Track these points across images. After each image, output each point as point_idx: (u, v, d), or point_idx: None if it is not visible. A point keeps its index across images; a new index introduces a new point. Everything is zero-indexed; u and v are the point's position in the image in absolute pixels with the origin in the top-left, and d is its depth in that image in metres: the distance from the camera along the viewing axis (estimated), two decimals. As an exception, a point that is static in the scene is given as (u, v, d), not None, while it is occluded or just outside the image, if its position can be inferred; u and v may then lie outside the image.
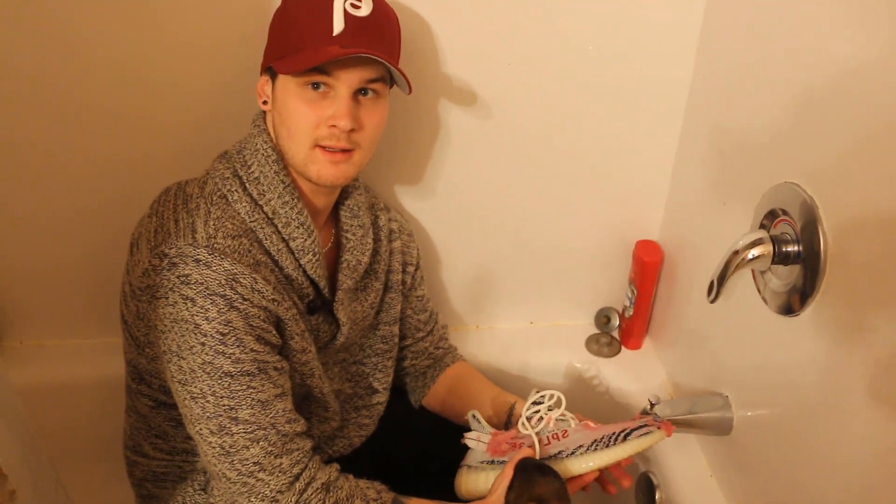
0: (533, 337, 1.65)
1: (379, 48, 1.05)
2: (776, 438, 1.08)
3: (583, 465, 1.12)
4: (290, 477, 1.02)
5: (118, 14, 1.19)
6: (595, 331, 1.67)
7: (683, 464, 1.32)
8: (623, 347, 1.62)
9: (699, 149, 1.35)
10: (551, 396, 1.19)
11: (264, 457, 1.01)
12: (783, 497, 1.06)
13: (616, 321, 1.65)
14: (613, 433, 1.13)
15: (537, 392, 1.21)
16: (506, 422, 1.28)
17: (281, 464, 1.02)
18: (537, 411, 1.18)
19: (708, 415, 1.23)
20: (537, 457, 1.13)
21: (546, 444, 1.15)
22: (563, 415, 1.17)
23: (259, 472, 1.01)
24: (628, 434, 1.13)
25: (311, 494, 1.02)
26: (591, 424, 1.16)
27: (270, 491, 1.01)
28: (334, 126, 1.04)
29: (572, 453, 1.13)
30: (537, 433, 1.15)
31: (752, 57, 1.14)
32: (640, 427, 1.14)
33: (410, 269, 1.36)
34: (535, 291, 1.63)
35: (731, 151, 1.22)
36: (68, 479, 1.48)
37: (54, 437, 1.46)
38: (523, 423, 1.17)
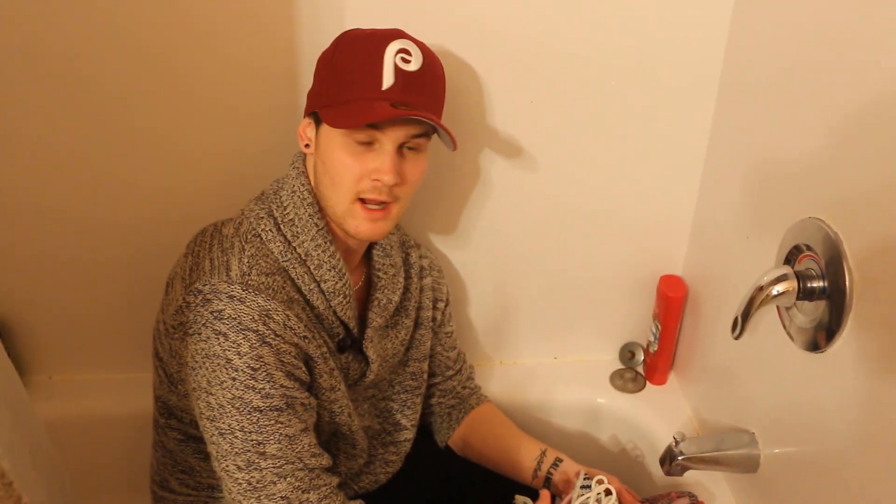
0: (557, 372, 1.64)
1: (427, 105, 1.06)
2: (806, 476, 1.06)
3: None
4: None
5: (149, 76, 1.23)
6: (619, 366, 1.65)
7: (711, 502, 1.30)
8: (648, 383, 1.61)
9: (723, 182, 1.34)
10: (600, 482, 1.18)
11: (292, 492, 1.00)
12: (813, 537, 1.04)
13: (641, 356, 1.64)
14: None
15: (586, 476, 1.20)
16: (534, 470, 1.28)
17: (309, 499, 1.01)
18: (587, 498, 1.16)
19: (734, 452, 1.21)
20: None
21: None
22: None
23: None
24: None
25: None
26: None
27: None
28: (377, 180, 1.05)
29: None
30: None
31: (777, 86, 1.13)
32: None
33: (440, 305, 1.36)
34: (559, 327, 1.63)
35: (754, 185, 1.21)
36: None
37: (82, 471, 1.46)
38: None
